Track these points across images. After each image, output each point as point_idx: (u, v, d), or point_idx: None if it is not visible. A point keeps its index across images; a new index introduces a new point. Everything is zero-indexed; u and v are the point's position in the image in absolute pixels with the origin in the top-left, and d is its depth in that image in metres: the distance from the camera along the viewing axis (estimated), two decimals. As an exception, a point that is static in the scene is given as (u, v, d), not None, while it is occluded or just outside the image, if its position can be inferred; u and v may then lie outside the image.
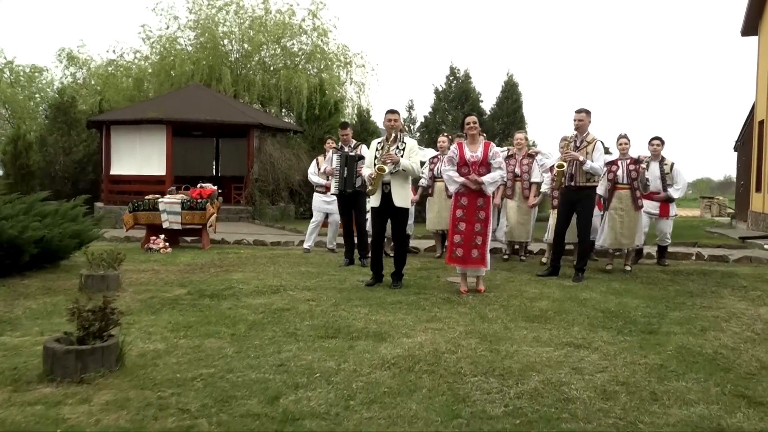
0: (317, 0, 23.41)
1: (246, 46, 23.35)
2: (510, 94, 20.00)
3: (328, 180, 9.01)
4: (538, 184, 8.66)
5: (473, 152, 6.32)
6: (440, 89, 20.67)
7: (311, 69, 24.17)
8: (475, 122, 6.38)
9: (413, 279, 7.05)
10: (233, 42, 23.20)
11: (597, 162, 7.19)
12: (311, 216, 10.08)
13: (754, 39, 17.28)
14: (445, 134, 9.49)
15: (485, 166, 6.27)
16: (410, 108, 21.62)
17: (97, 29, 44.82)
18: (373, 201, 6.69)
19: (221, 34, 22.94)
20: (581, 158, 7.08)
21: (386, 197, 6.55)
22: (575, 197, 7.25)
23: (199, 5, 22.81)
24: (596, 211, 7.95)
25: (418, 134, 20.73)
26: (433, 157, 9.36)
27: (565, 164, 7.05)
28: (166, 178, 17.19)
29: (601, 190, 7.94)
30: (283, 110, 23.57)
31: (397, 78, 47.07)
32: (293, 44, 23.95)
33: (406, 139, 6.73)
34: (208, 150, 22.78)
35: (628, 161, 7.95)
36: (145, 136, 17.54)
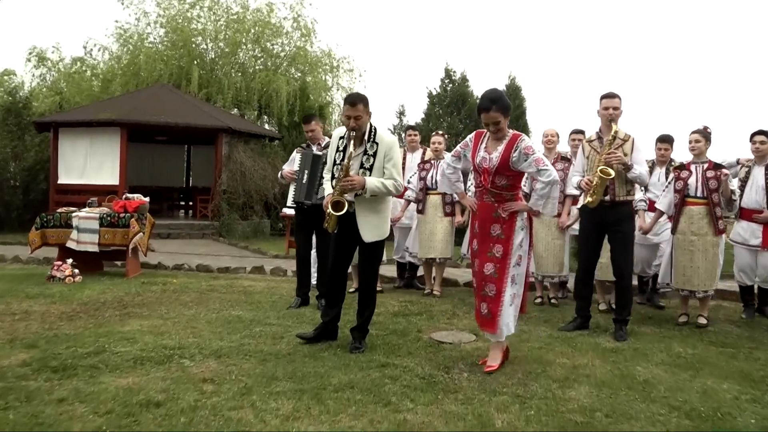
0: (295, 5, 21.43)
1: (222, 45, 21.28)
2: (512, 100, 17.89)
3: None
4: (575, 197, 6.20)
5: (488, 153, 4.08)
6: (434, 93, 18.56)
7: (294, 72, 22.12)
8: (497, 123, 4.01)
9: (383, 333, 4.89)
10: (207, 41, 21.12)
11: (641, 166, 5.11)
12: (290, 233, 7.88)
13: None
14: (440, 132, 7.34)
15: (506, 176, 4.05)
16: (401, 114, 19.42)
17: (74, 29, 42.46)
18: (333, 227, 4.58)
19: (194, 32, 20.85)
20: (629, 161, 4.98)
21: (351, 221, 4.44)
22: (611, 217, 5.11)
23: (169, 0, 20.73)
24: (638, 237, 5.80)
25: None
26: (424, 162, 7.19)
27: (612, 171, 4.92)
28: (119, 189, 15.00)
29: (663, 204, 5.81)
30: (265, 116, 21.46)
31: (387, 82, 44.69)
32: (274, 45, 21.90)
33: (380, 135, 4.47)
34: (177, 158, 20.62)
35: (706, 165, 5.67)
36: (97, 140, 15.35)
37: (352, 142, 4.38)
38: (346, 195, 4.34)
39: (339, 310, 4.64)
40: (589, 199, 5.06)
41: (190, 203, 19.25)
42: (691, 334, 5.24)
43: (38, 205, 16.18)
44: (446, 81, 18.70)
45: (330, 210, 4.31)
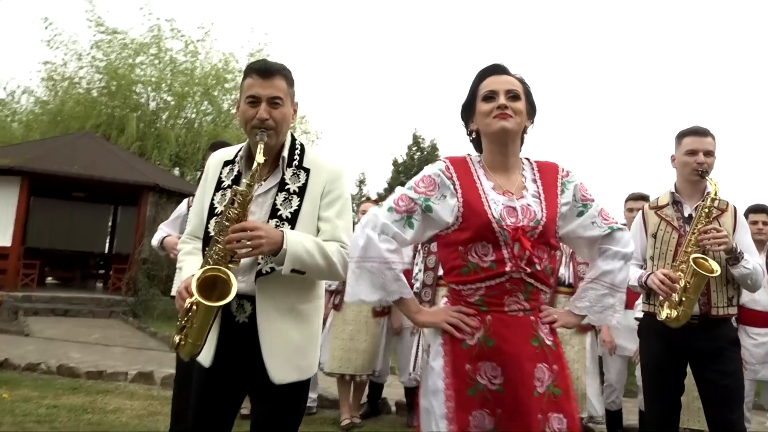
0: (254, 52, 19.55)
1: (166, 96, 19.07)
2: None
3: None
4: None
5: (511, 196, 1.89)
6: (400, 160, 16.68)
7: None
8: (513, 92, 1.92)
9: None
10: (149, 90, 18.87)
11: (752, 256, 2.97)
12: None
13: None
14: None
15: (550, 246, 1.90)
16: (361, 182, 17.52)
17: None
18: (204, 353, 2.05)
19: (136, 80, 18.62)
20: (734, 245, 2.89)
21: (242, 338, 2.06)
22: (702, 344, 2.93)
23: (108, 43, 18.55)
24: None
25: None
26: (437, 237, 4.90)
27: (715, 263, 2.77)
28: (12, 251, 12.23)
29: None
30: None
31: (348, 146, 42.32)
32: (224, 101, 19.82)
33: (312, 157, 2.21)
34: (100, 219, 17.87)
35: None
36: (-9, 191, 12.64)
37: (255, 162, 2.00)
38: (232, 266, 1.97)
39: None
40: (668, 312, 2.84)
41: (110, 273, 16.43)
42: None
43: None
44: (414, 148, 16.89)
45: (193, 298, 1.91)
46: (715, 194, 2.90)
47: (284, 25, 43.23)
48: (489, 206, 1.85)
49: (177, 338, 1.98)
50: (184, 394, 3.48)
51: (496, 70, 1.97)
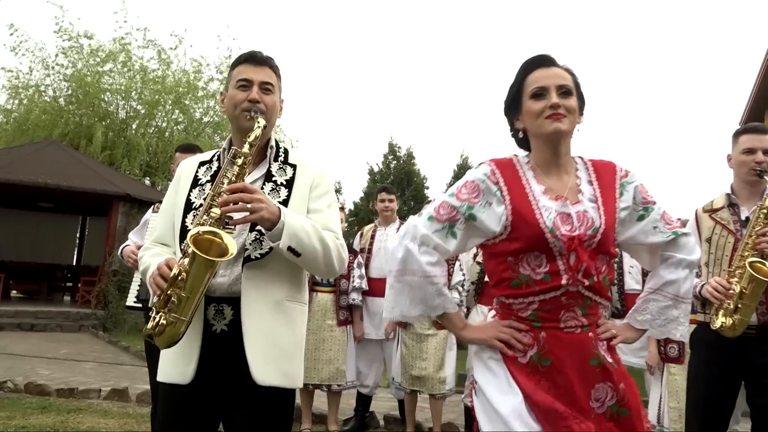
0: (225, 57, 19.27)
1: (136, 105, 18.66)
2: (464, 180, 16.06)
3: None
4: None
5: (565, 201, 1.71)
6: (376, 169, 16.52)
7: (220, 140, 19.68)
8: (565, 88, 1.72)
9: None
10: (118, 98, 18.43)
11: None
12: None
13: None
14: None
15: (609, 255, 1.71)
16: (337, 191, 17.29)
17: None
18: (181, 368, 1.89)
19: (104, 89, 18.16)
20: None
21: (222, 356, 1.87)
22: (758, 356, 2.66)
23: (76, 51, 18.08)
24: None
25: (345, 224, 16.22)
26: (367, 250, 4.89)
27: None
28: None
29: None
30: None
31: (323, 154, 41.56)
32: (196, 110, 19.48)
33: (296, 156, 2.10)
34: (68, 231, 17.36)
35: None
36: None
37: (241, 158, 1.87)
38: (224, 233, 1.78)
39: None
40: (723, 320, 2.58)
41: (78, 285, 15.92)
42: None
43: None
44: (390, 157, 16.76)
45: (184, 262, 1.74)
46: (733, 200, 2.77)
47: (254, 32, 42.83)
48: (541, 214, 1.67)
49: (156, 320, 1.72)
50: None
51: (544, 61, 1.76)
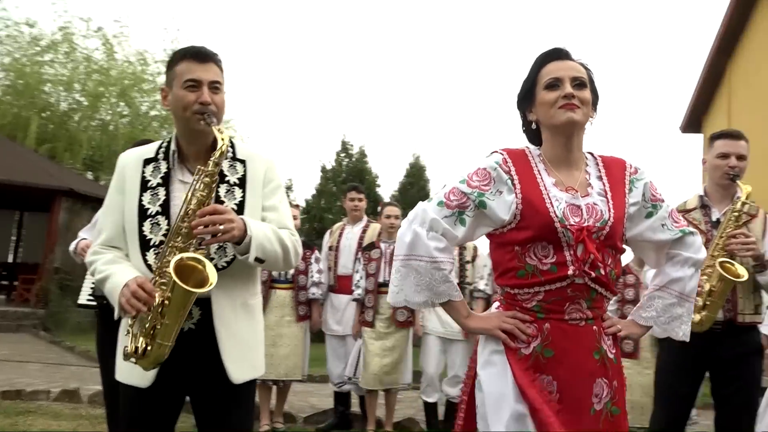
0: (172, 50, 18.79)
1: (79, 97, 17.99)
2: (416, 180, 16.12)
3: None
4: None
5: (575, 193, 1.73)
6: (329, 167, 16.42)
7: (167, 135, 19.20)
8: (579, 80, 1.74)
9: None
10: (60, 90, 17.72)
11: None
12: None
13: (695, 136, 14.94)
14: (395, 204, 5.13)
15: (617, 249, 1.75)
16: (288, 188, 17.10)
17: None
18: (139, 372, 1.86)
19: (44, 79, 17.43)
20: (763, 252, 2.79)
21: (189, 354, 1.88)
22: (725, 351, 2.83)
23: (14, 39, 17.30)
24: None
25: (298, 221, 16.05)
26: (370, 248, 4.83)
27: (742, 268, 2.67)
28: None
29: None
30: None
31: (274, 150, 40.48)
32: (143, 103, 18.94)
33: (244, 149, 2.07)
34: (5, 226, 16.57)
35: None
36: None
37: (220, 142, 1.87)
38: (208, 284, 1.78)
39: None
40: (693, 316, 2.72)
41: (15, 283, 15.22)
42: None
43: None
44: (342, 154, 16.68)
45: (162, 292, 1.79)
46: (746, 199, 2.81)
47: (201, 22, 41.66)
48: (551, 203, 1.68)
49: (138, 344, 1.76)
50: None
51: (560, 54, 1.77)
